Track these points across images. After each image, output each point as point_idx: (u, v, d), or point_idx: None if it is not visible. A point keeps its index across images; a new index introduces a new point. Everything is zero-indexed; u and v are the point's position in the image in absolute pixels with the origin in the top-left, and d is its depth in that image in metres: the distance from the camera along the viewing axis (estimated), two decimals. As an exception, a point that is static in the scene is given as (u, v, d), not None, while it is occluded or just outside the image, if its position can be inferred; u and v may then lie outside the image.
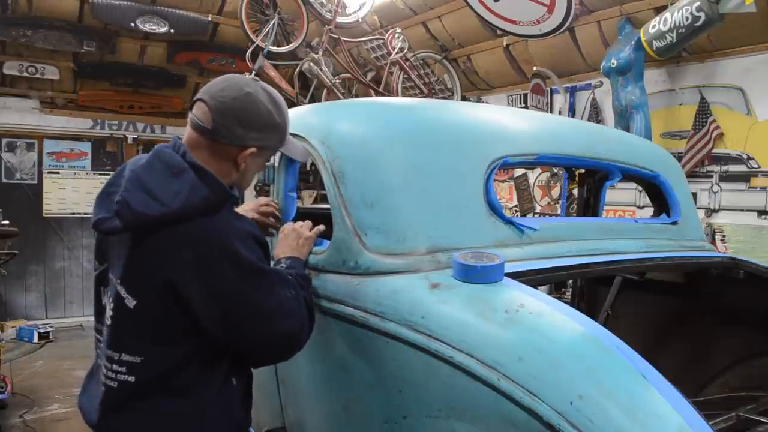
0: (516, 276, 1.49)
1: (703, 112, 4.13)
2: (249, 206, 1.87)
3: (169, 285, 1.29)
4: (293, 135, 1.95)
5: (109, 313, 1.38)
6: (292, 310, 1.42)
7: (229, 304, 1.33)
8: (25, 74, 6.29)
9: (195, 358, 1.36)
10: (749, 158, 3.92)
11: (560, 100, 5.29)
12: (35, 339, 6.16)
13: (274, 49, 5.22)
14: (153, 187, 1.31)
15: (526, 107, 5.37)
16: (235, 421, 1.47)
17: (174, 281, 1.29)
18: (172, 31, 5.92)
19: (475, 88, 6.12)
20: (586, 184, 2.65)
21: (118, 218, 1.29)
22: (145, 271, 1.32)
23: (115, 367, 1.35)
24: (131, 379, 1.34)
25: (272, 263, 1.63)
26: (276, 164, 2.03)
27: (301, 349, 1.49)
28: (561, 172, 5.19)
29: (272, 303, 1.38)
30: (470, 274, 1.43)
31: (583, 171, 2.66)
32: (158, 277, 1.30)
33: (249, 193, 7.36)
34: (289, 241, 1.73)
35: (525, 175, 5.68)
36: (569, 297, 3.14)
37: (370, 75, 6.20)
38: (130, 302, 1.33)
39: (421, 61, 5.97)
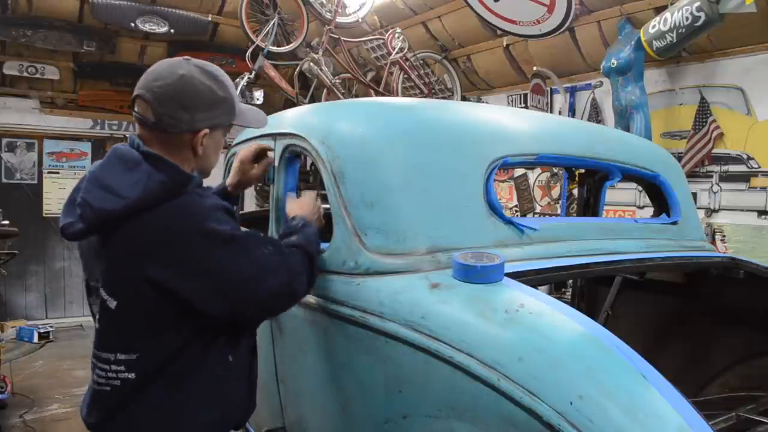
0: (516, 276, 1.49)
1: (703, 112, 4.13)
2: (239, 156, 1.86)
3: (149, 279, 1.28)
4: (293, 135, 1.96)
5: (97, 316, 1.39)
6: (274, 267, 1.42)
7: (214, 279, 1.32)
8: (25, 74, 6.28)
9: (191, 343, 1.36)
10: (749, 158, 3.92)
11: (560, 100, 5.29)
12: (35, 339, 6.16)
13: (274, 49, 5.22)
14: (111, 183, 1.30)
15: (526, 107, 5.37)
16: (235, 397, 1.49)
17: (152, 274, 1.28)
18: (172, 31, 5.92)
19: (475, 88, 6.12)
20: (586, 184, 2.65)
21: (80, 220, 1.29)
22: (120, 269, 1.32)
23: (114, 367, 1.35)
24: (132, 375, 1.34)
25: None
26: (276, 164, 2.04)
27: (302, 297, 1.53)
28: (561, 172, 5.19)
29: (253, 266, 1.37)
30: (470, 274, 1.43)
31: (583, 171, 2.66)
32: (136, 273, 1.29)
33: (249, 193, 7.35)
34: (308, 206, 1.78)
35: (525, 175, 5.68)
36: (569, 297, 3.14)
37: (370, 75, 6.20)
38: (111, 303, 1.34)
39: (421, 61, 5.97)
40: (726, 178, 4.05)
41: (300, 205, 1.79)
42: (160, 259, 1.29)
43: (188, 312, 1.32)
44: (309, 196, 1.84)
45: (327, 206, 1.79)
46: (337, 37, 5.50)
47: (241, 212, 2.00)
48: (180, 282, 1.29)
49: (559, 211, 5.25)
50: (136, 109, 1.40)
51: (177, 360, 1.35)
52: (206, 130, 1.41)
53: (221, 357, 1.43)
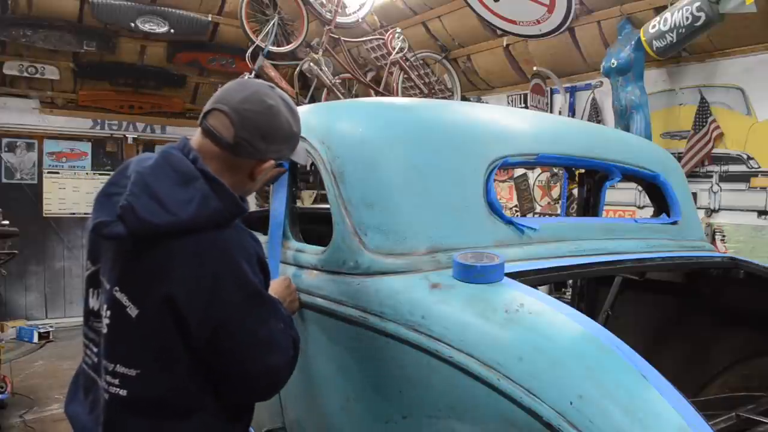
0: (516, 276, 1.49)
1: (703, 112, 4.13)
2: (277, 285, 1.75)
3: (169, 299, 1.22)
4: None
5: (105, 321, 1.29)
6: (280, 344, 1.36)
7: (224, 327, 1.25)
8: (25, 74, 6.28)
9: (195, 377, 1.29)
10: (749, 158, 3.92)
11: (560, 100, 5.29)
12: (35, 339, 6.16)
13: (274, 49, 5.22)
14: (161, 194, 1.22)
15: (526, 107, 5.37)
16: None
17: (174, 295, 1.22)
18: (172, 31, 5.92)
19: (475, 88, 6.12)
20: (586, 184, 2.65)
21: (122, 224, 1.21)
22: (147, 281, 1.24)
23: (108, 378, 1.28)
24: (123, 393, 1.26)
25: None
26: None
27: (280, 389, 1.45)
28: (561, 172, 5.19)
29: (265, 334, 1.32)
30: (470, 274, 1.43)
31: (583, 171, 2.66)
32: (160, 289, 1.22)
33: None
34: (283, 291, 1.70)
35: (525, 175, 5.68)
36: (569, 297, 3.14)
37: (370, 75, 6.20)
38: (133, 311, 1.25)
39: (421, 61, 5.97)
40: (726, 178, 4.05)
41: (274, 289, 1.64)
42: (188, 285, 1.23)
43: (195, 347, 1.26)
44: (285, 280, 1.77)
45: (327, 206, 1.78)
46: (337, 37, 5.50)
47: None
48: (195, 316, 1.23)
49: (559, 211, 5.25)
50: (211, 121, 1.33)
51: (173, 391, 1.28)
52: (272, 162, 1.39)
53: (217, 407, 1.35)
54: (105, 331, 1.30)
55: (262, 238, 2.20)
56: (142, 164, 1.30)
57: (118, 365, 1.27)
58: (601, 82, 4.87)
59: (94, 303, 1.37)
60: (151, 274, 1.24)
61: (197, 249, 1.23)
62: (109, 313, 1.28)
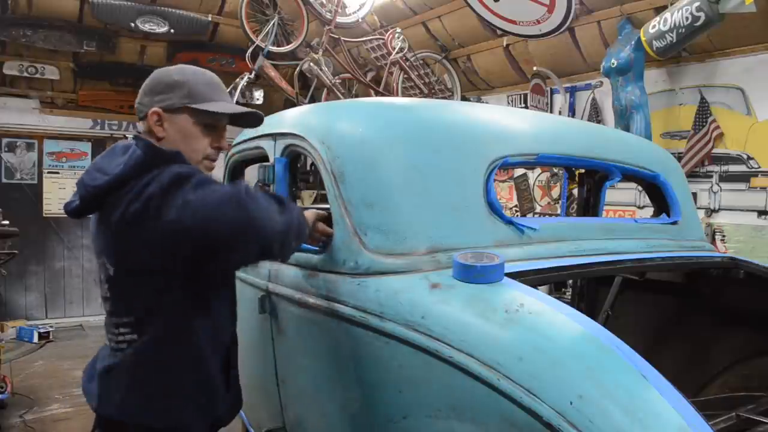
0: (516, 276, 1.49)
1: (703, 112, 4.13)
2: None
3: (132, 235, 1.35)
4: (293, 135, 1.96)
5: (105, 286, 1.49)
6: (238, 199, 1.38)
7: (171, 221, 1.33)
8: (25, 74, 6.28)
9: (179, 300, 1.43)
10: (749, 158, 3.92)
11: (560, 100, 5.29)
12: (35, 339, 6.16)
13: (274, 49, 5.22)
14: (103, 165, 1.44)
15: (526, 107, 5.37)
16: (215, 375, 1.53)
17: (134, 227, 1.35)
18: (172, 31, 5.92)
19: (475, 88, 6.12)
20: (586, 184, 2.65)
21: (78, 198, 1.45)
22: (111, 235, 1.41)
23: (122, 330, 1.45)
24: (135, 337, 1.43)
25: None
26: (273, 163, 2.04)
27: (269, 234, 1.43)
28: (561, 172, 5.19)
29: (215, 198, 1.36)
30: (470, 274, 1.43)
31: (583, 171, 2.66)
32: (123, 234, 1.37)
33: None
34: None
35: (525, 175, 5.68)
36: (569, 297, 3.14)
37: (370, 75, 6.19)
38: (111, 270, 1.44)
39: (421, 61, 5.97)
40: (726, 178, 4.05)
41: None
42: (139, 217, 1.34)
43: (172, 262, 1.37)
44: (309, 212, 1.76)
45: (327, 206, 1.79)
46: (337, 37, 5.50)
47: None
48: (155, 221, 1.33)
49: (559, 211, 5.25)
50: None
51: (168, 318, 1.43)
52: (157, 109, 1.49)
53: (204, 322, 1.49)
54: (108, 295, 1.48)
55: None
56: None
57: (123, 317, 1.45)
58: (601, 82, 4.87)
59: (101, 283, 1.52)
60: (111, 226, 1.40)
61: (134, 188, 1.37)
62: (103, 277, 1.48)
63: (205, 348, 1.50)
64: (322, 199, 6.40)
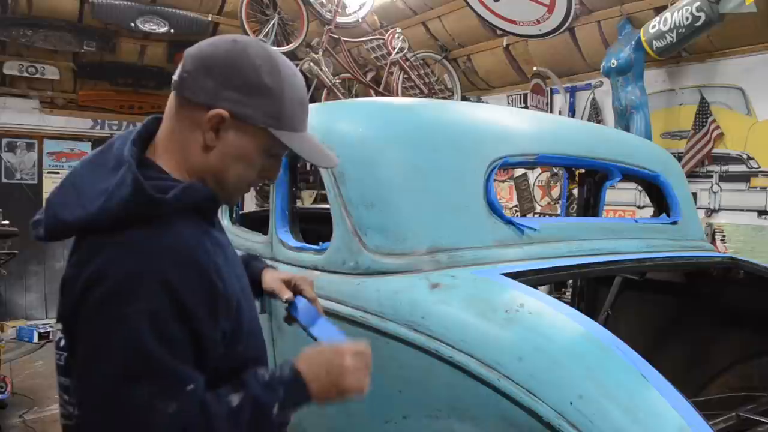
0: (516, 276, 1.49)
1: (703, 112, 4.13)
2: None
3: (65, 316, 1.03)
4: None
5: (58, 354, 1.13)
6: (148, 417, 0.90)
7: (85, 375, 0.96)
8: (25, 74, 6.28)
9: None
10: (749, 158, 3.92)
11: (560, 100, 5.29)
12: (35, 339, 6.15)
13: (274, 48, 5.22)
14: (83, 184, 0.97)
15: (526, 107, 5.36)
16: None
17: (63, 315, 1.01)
18: (172, 31, 5.91)
19: (475, 88, 6.12)
20: (586, 184, 2.65)
21: (43, 228, 1.00)
22: (69, 306, 1.03)
23: (68, 399, 1.15)
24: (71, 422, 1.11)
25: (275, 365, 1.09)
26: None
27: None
28: (561, 172, 5.19)
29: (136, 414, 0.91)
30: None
31: (583, 171, 2.66)
32: (68, 304, 1.01)
33: (249, 193, 7.34)
34: (324, 364, 1.03)
35: (525, 175, 5.68)
36: (569, 297, 3.14)
37: (370, 75, 6.20)
38: (63, 341, 1.07)
39: (421, 61, 5.97)
40: (726, 178, 4.05)
41: (311, 359, 1.05)
42: (72, 303, 1.00)
43: None
44: (334, 347, 1.07)
45: (327, 206, 1.79)
46: (337, 37, 5.50)
47: (240, 212, 1.97)
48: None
49: (559, 211, 5.25)
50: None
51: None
52: (224, 112, 0.98)
53: None
54: (61, 363, 1.12)
55: (261, 238, 2.21)
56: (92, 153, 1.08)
57: (68, 392, 1.11)
58: (601, 82, 4.87)
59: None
60: (71, 296, 0.99)
61: (92, 258, 0.93)
62: (59, 343, 1.11)
63: None
64: (322, 199, 6.39)
